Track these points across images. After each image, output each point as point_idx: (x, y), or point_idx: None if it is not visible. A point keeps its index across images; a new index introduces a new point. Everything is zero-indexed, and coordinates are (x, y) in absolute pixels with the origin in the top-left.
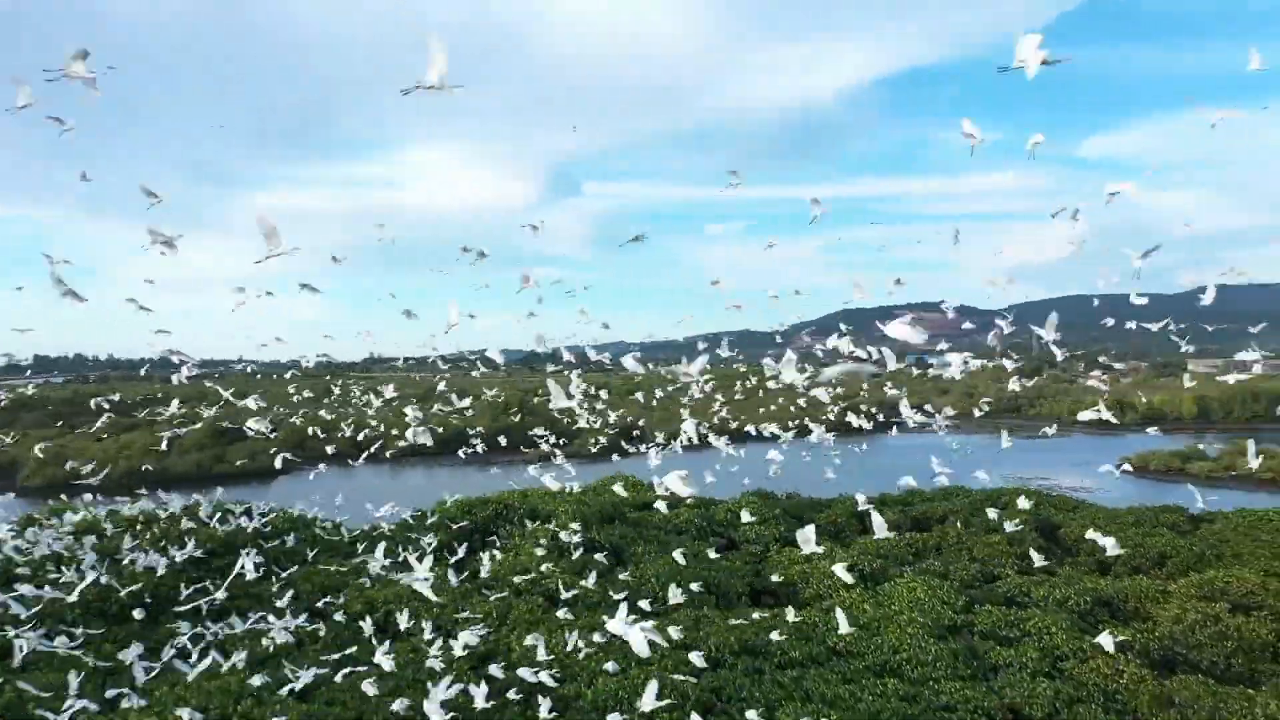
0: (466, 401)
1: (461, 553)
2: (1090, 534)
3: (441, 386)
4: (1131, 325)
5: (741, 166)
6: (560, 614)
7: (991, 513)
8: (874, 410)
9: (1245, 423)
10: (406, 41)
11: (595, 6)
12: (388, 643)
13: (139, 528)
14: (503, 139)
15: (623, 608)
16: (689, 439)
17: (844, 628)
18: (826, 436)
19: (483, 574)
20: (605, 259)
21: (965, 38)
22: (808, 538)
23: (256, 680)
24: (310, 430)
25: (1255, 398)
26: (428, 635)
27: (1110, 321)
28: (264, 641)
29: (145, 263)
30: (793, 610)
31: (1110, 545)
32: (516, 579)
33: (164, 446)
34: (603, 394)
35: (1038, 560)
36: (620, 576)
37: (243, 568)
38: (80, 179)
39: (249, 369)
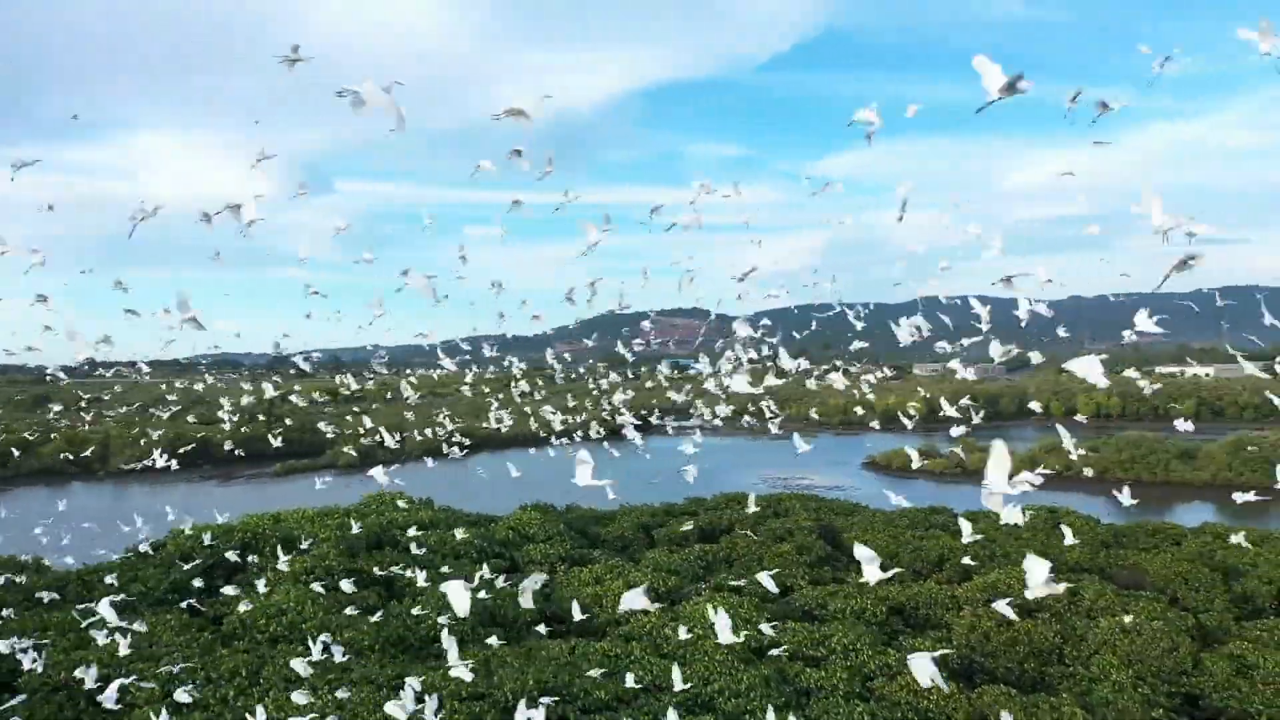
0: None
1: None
2: (859, 551)
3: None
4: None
5: (503, 170)
6: (301, 671)
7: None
8: (659, 412)
9: (964, 422)
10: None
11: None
12: None
13: None
14: (249, 129)
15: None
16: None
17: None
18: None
19: (230, 620)
20: (359, 260)
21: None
22: (870, 556)
23: None
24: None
25: (974, 399)
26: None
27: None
28: None
29: None
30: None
31: (871, 570)
32: (268, 625)
33: None
34: (407, 394)
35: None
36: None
37: None
38: None
39: None
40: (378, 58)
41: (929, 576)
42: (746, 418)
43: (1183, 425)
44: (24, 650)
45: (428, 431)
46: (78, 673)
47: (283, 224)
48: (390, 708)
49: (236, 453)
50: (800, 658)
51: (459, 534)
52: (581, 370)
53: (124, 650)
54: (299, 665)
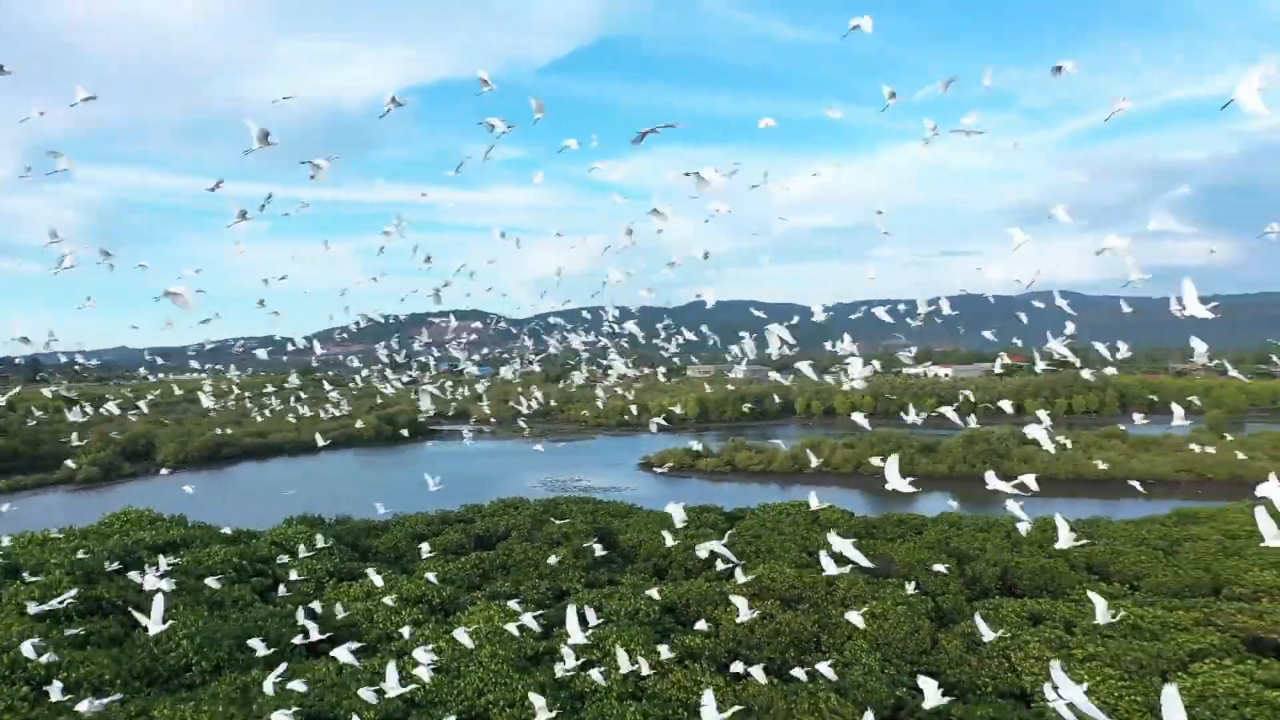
0: None
1: None
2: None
3: None
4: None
5: (269, 164)
6: None
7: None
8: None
9: (735, 420)
10: None
11: None
12: None
13: None
14: None
15: None
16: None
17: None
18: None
19: None
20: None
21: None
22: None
23: None
24: None
25: (742, 399)
26: None
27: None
28: None
29: None
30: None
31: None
32: None
33: None
34: (111, 406)
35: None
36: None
37: None
38: None
39: None
40: (120, 40)
41: (699, 574)
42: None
43: (912, 417)
44: None
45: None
46: None
47: (10, 211)
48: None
49: None
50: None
51: (218, 551)
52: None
53: None
54: None
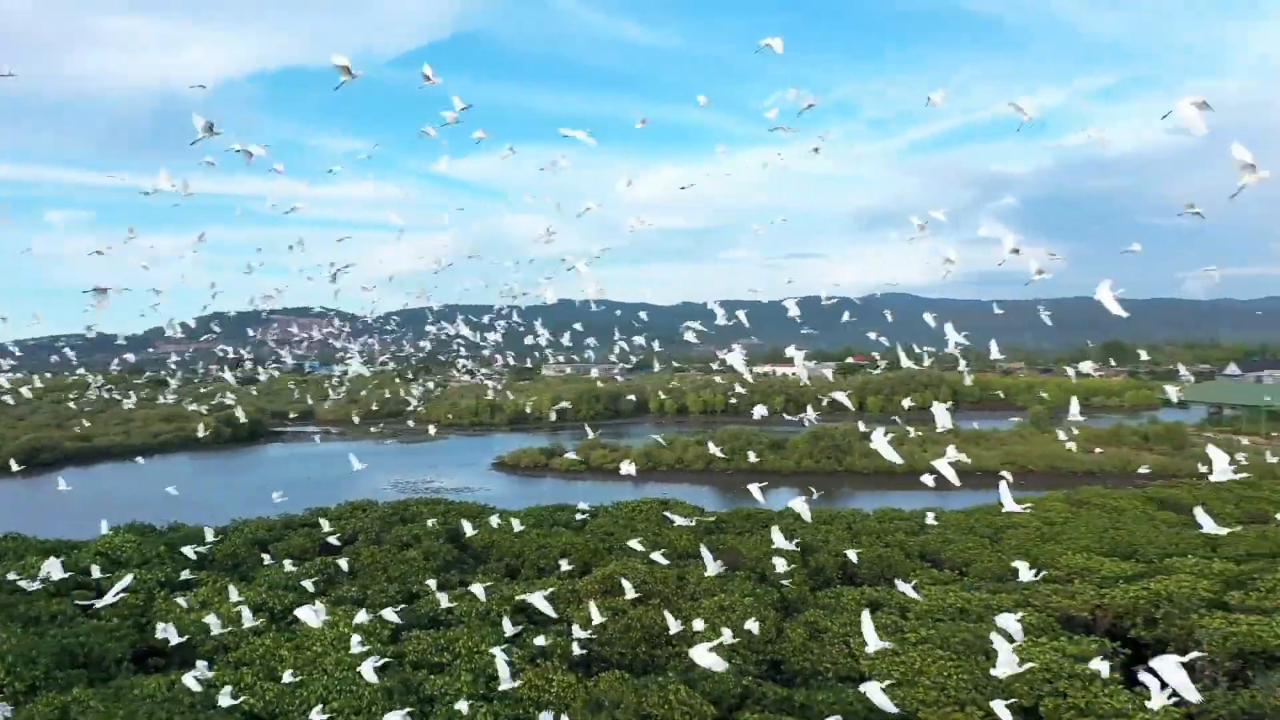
0: None
1: None
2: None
3: None
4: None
5: (94, 149)
6: None
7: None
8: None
9: (591, 418)
10: None
11: None
12: None
13: None
14: None
15: None
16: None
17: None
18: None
19: None
20: None
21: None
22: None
23: None
24: None
25: (597, 398)
26: None
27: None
28: None
29: None
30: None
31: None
32: None
33: None
34: None
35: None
36: None
37: None
38: None
39: None
40: None
41: (552, 572)
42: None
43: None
44: None
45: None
46: None
47: None
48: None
49: None
50: (425, 665)
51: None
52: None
53: None
54: None
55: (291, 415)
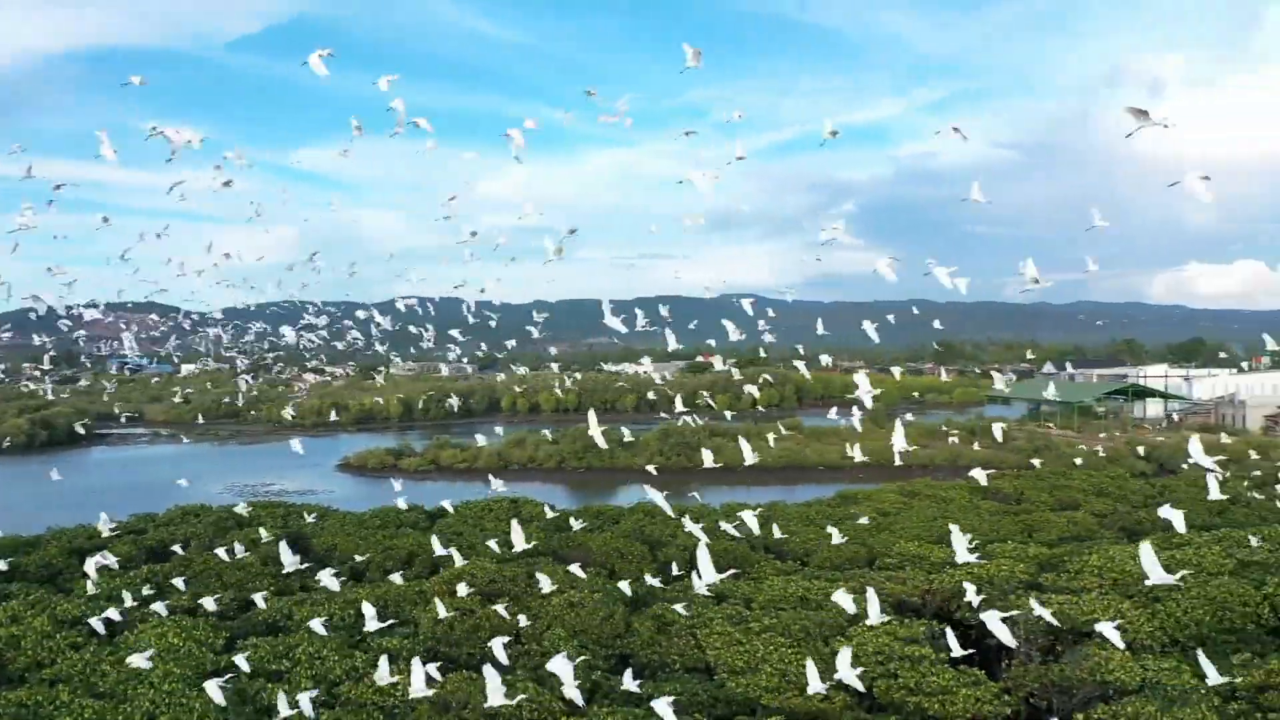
0: None
1: None
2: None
3: None
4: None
5: None
6: None
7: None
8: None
9: (440, 419)
10: None
11: None
12: None
13: None
14: None
15: None
16: None
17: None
18: None
19: None
20: None
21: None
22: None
23: None
24: None
25: (447, 396)
26: None
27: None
28: None
29: None
30: None
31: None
32: None
33: None
34: None
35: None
36: None
37: None
38: None
39: None
40: None
41: (399, 573)
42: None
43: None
44: None
45: None
46: None
47: None
48: None
49: None
50: (263, 673)
51: None
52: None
53: None
54: None
55: (124, 417)
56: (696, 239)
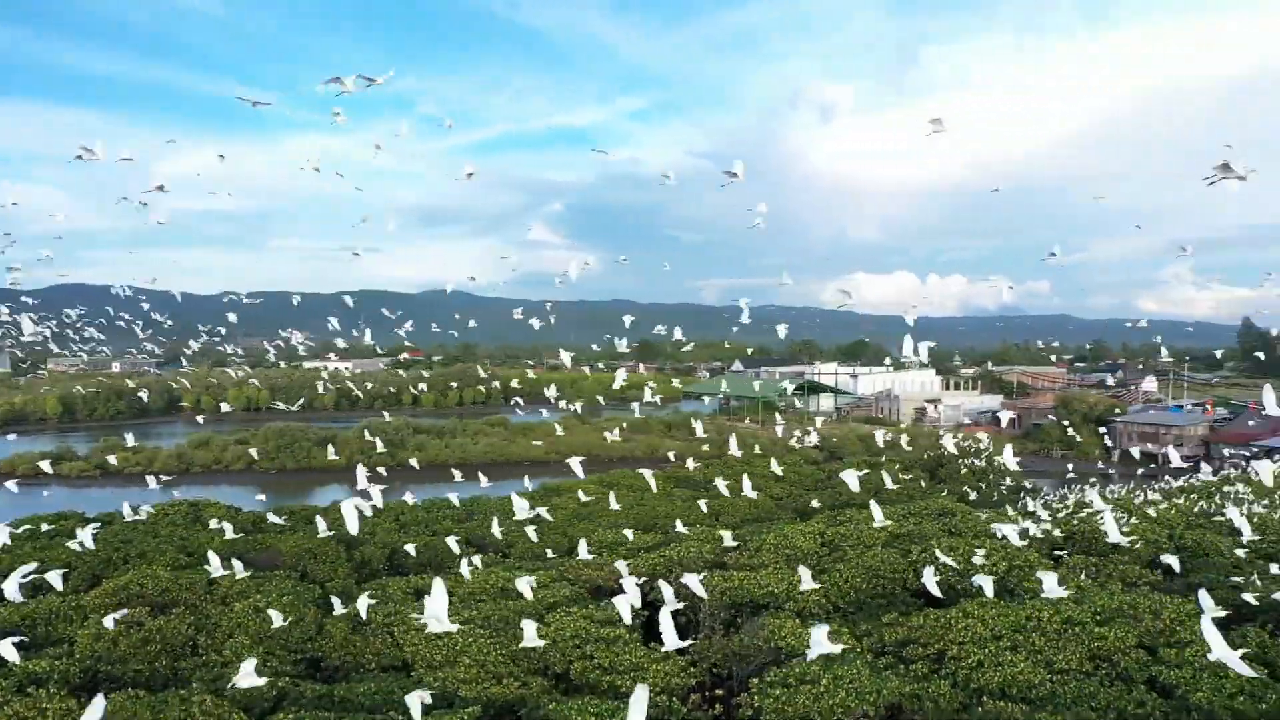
0: None
1: None
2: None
3: None
4: None
5: None
6: None
7: None
8: None
9: (111, 419)
10: None
11: None
12: None
13: None
14: None
15: None
16: None
17: None
18: None
19: None
20: None
21: None
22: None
23: None
24: None
25: (119, 395)
26: None
27: None
28: None
29: None
30: None
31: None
32: None
33: None
34: None
35: None
36: None
37: None
38: None
39: None
40: None
41: (47, 591)
42: None
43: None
44: None
45: None
46: None
47: None
48: None
49: None
50: None
51: None
52: None
53: None
54: None
55: None
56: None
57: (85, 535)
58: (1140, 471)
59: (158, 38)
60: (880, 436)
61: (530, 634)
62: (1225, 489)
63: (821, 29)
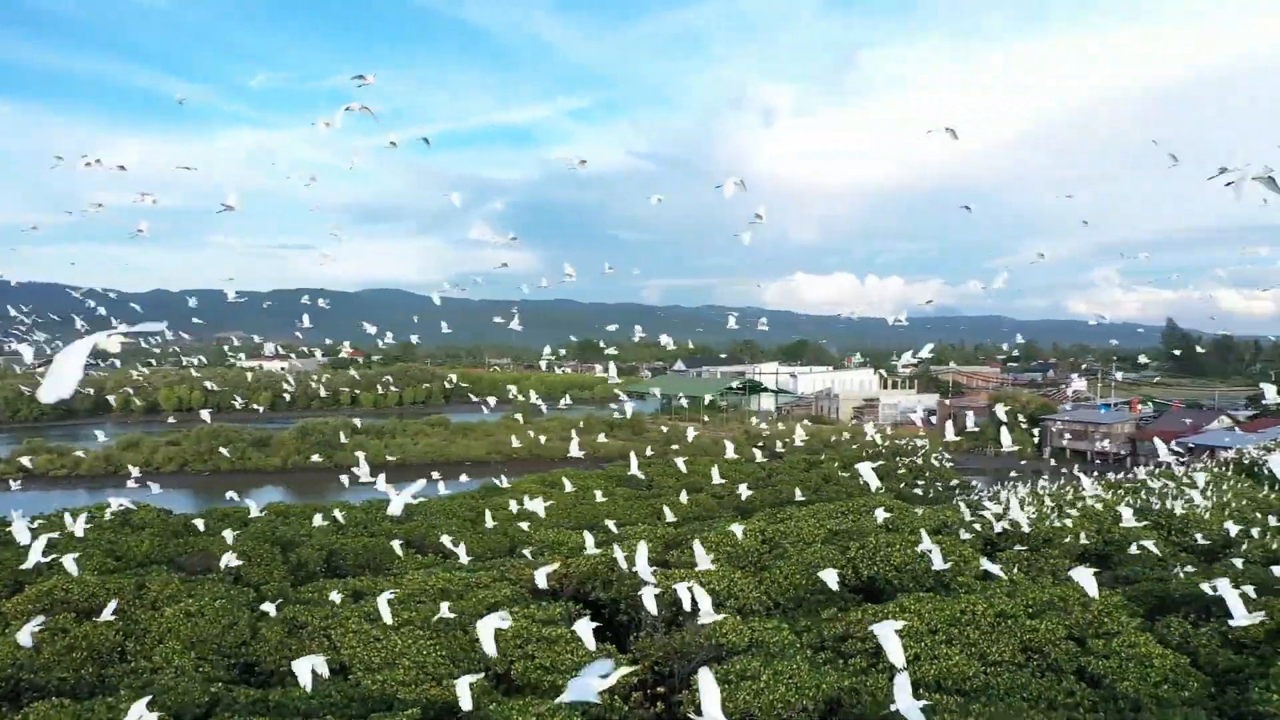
0: None
1: None
2: None
3: None
4: None
5: None
6: None
7: None
8: None
9: (34, 420)
10: None
11: None
12: None
13: None
14: None
15: None
16: None
17: None
18: None
19: None
20: None
21: None
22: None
23: None
24: None
25: (32, 398)
26: None
27: None
28: None
29: None
30: None
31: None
32: None
33: None
34: None
35: None
36: None
37: None
38: None
39: None
40: None
41: None
42: None
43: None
44: None
45: None
46: None
47: None
48: None
49: None
50: None
51: None
52: None
53: None
54: None
55: None
56: (343, 230)
57: (19, 528)
58: (1071, 469)
59: (84, 25)
60: (799, 434)
61: (487, 639)
62: (1150, 484)
63: (763, 31)
